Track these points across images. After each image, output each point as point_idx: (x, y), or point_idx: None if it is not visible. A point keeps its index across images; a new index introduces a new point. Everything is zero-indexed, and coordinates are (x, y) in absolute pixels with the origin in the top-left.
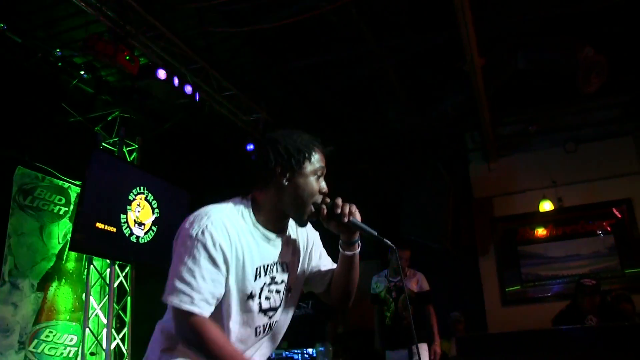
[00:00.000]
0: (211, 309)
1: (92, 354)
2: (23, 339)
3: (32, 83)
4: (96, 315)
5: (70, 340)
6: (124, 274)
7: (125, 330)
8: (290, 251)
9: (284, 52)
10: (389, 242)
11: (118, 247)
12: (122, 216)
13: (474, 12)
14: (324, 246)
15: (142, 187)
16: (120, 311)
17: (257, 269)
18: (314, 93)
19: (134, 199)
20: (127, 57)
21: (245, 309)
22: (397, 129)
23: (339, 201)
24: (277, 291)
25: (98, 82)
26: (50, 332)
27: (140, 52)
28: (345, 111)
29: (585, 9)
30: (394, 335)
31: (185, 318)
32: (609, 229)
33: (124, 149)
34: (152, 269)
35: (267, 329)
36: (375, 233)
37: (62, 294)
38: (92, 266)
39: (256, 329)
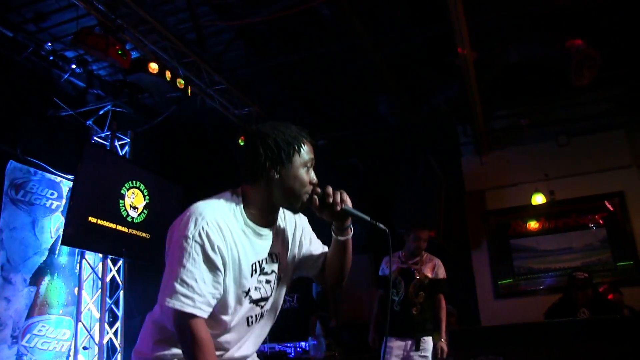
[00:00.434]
0: (210, 310)
1: (84, 348)
2: (16, 334)
3: (23, 77)
4: (89, 309)
5: (63, 335)
6: (116, 268)
7: (117, 324)
8: (280, 241)
9: (275, 45)
10: (382, 226)
11: (110, 241)
12: (121, 201)
13: (465, 5)
14: (316, 230)
15: (134, 181)
16: (112, 305)
17: (252, 265)
18: (306, 87)
19: (126, 193)
20: (119, 51)
21: (239, 303)
22: (388, 123)
23: (330, 190)
24: (267, 281)
25: (89, 76)
26: (43, 326)
27: (131, 46)
28: (337, 105)
29: (577, 3)
30: (401, 323)
31: (185, 319)
32: (601, 222)
33: (116, 143)
34: (144, 263)
35: (258, 318)
36: (368, 218)
37: (54, 288)
38: (84, 260)
39: (248, 319)
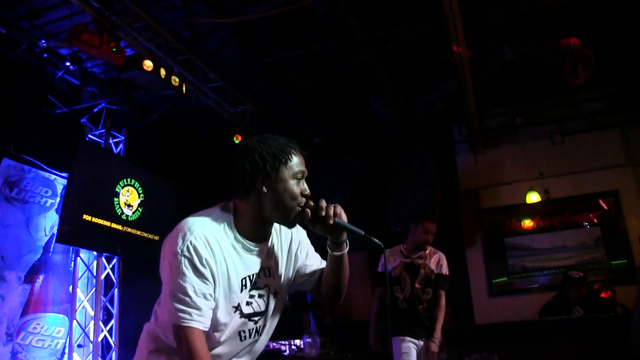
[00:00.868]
0: (209, 322)
1: (79, 346)
2: (10, 331)
3: (17, 74)
4: (83, 307)
5: (58, 332)
6: (110, 266)
7: (112, 322)
8: (274, 255)
9: (270, 43)
10: (377, 241)
11: (105, 239)
12: (115, 199)
13: (461, 3)
14: (313, 243)
15: (128, 179)
16: (107, 303)
17: (242, 280)
18: (301, 85)
19: (121, 191)
20: (113, 49)
21: (229, 318)
22: (383, 121)
23: (323, 204)
24: (260, 296)
25: (84, 73)
26: (38, 324)
27: (126, 44)
28: (331, 103)
29: (572, 1)
30: (408, 322)
31: (183, 333)
32: (595, 220)
33: (110, 141)
34: (138, 261)
35: (253, 333)
36: (362, 233)
37: (49, 286)
38: (79, 258)
39: (240, 333)
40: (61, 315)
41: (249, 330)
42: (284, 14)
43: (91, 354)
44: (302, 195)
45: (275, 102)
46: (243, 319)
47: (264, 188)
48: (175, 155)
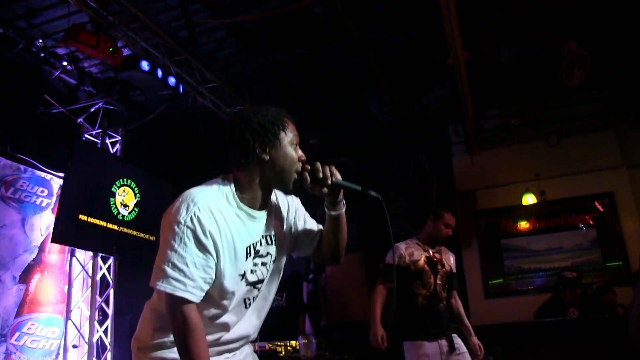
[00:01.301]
0: (202, 295)
1: (74, 346)
2: (5, 332)
3: (13, 74)
4: (79, 307)
5: (53, 333)
6: (106, 266)
7: (107, 322)
8: (274, 223)
9: (267, 43)
10: (374, 194)
11: (100, 239)
12: (111, 200)
13: (457, 5)
14: (310, 212)
15: (125, 179)
16: (102, 303)
17: (247, 248)
18: (298, 85)
19: (117, 191)
20: (110, 48)
21: (236, 286)
22: (380, 122)
23: (319, 165)
24: (263, 264)
25: (81, 73)
26: (33, 324)
27: (123, 43)
28: (329, 103)
29: (569, 3)
30: (428, 321)
31: (177, 303)
32: (591, 222)
33: (107, 141)
34: (134, 261)
35: (255, 299)
36: (360, 188)
37: (44, 286)
38: (74, 258)
39: (245, 300)
40: (56, 316)
41: (253, 297)
42: (282, 14)
43: (86, 355)
44: (299, 160)
45: (273, 103)
46: (249, 286)
47: (265, 155)
48: (172, 156)
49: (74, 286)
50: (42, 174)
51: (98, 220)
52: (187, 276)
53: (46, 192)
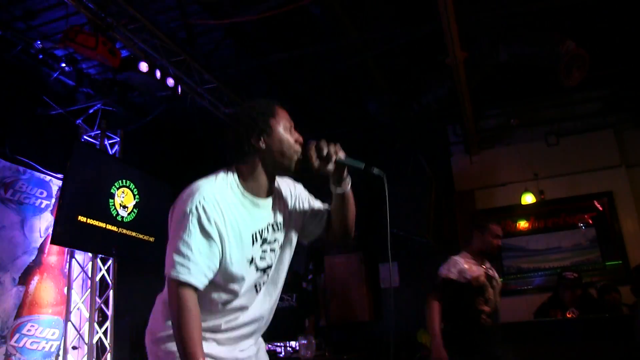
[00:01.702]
0: (206, 281)
1: (74, 347)
2: (4, 333)
3: (12, 75)
4: (78, 309)
5: (52, 334)
6: (106, 267)
7: (107, 324)
8: (279, 210)
9: (266, 44)
10: (377, 171)
11: (100, 241)
12: (110, 201)
13: (456, 5)
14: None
15: (124, 180)
16: (102, 305)
17: (252, 235)
18: (296, 86)
19: (116, 192)
20: (109, 50)
21: (249, 271)
22: (379, 122)
23: (323, 143)
24: (272, 250)
25: (79, 74)
26: (32, 326)
27: (121, 45)
28: (326, 104)
29: (567, 3)
30: (489, 341)
31: (178, 288)
32: (590, 221)
33: (106, 142)
34: (134, 262)
35: (265, 284)
36: (363, 166)
37: (44, 288)
38: (73, 260)
39: (255, 286)
40: (56, 317)
41: (263, 282)
42: (280, 15)
43: (86, 356)
44: (297, 142)
45: None
46: (259, 272)
47: (261, 143)
48: (171, 157)
49: (73, 287)
50: (41, 176)
51: (97, 222)
52: (192, 261)
53: (45, 193)
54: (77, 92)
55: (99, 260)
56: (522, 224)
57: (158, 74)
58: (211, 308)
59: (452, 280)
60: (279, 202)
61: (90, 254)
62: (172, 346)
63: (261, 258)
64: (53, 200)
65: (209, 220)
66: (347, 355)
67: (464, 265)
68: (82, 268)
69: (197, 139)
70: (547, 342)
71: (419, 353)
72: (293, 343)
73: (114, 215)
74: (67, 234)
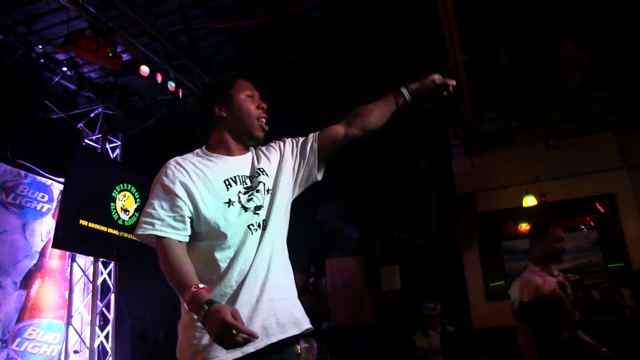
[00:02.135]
0: (177, 232)
1: (75, 351)
2: (6, 338)
3: (13, 79)
4: (79, 312)
5: (54, 339)
6: (107, 271)
7: (108, 327)
8: (260, 159)
9: (266, 48)
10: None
11: (101, 244)
12: (112, 204)
13: (456, 8)
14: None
15: (125, 184)
16: (103, 309)
17: (225, 181)
18: (297, 89)
19: (117, 196)
20: (110, 54)
21: (230, 212)
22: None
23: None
24: (258, 191)
25: (80, 78)
26: (34, 330)
27: (122, 49)
28: (326, 107)
29: (567, 5)
30: (572, 357)
31: (156, 244)
32: (592, 224)
33: (107, 146)
34: (135, 266)
35: (259, 226)
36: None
37: (45, 292)
38: (75, 263)
39: (249, 226)
40: (57, 321)
41: (256, 222)
42: (280, 19)
43: None
44: (259, 108)
45: (271, 106)
46: (248, 212)
47: (223, 112)
48: None
49: (74, 291)
50: (43, 180)
51: (98, 225)
52: (155, 217)
53: (46, 197)
54: (78, 96)
55: (100, 264)
56: (524, 227)
57: (159, 77)
58: (212, 265)
59: (530, 302)
60: (259, 154)
61: (91, 258)
62: (191, 333)
63: (248, 200)
64: (54, 204)
65: (170, 179)
66: (348, 358)
67: (538, 281)
68: (84, 272)
69: (198, 142)
70: None
71: (412, 354)
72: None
73: (115, 219)
74: (68, 238)
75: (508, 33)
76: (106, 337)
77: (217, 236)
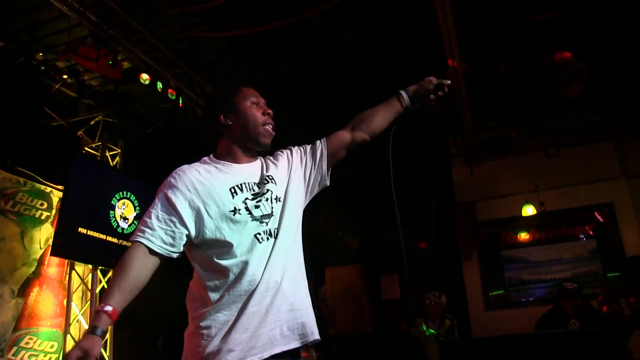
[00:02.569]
0: (162, 244)
1: None
2: (2, 346)
3: (14, 87)
4: (78, 321)
5: (51, 347)
6: (106, 279)
7: (107, 336)
8: (269, 167)
9: (267, 56)
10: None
11: (100, 252)
12: (111, 212)
13: (456, 17)
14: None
15: (125, 192)
16: None
17: (230, 189)
18: (297, 98)
19: (117, 204)
20: (110, 62)
21: (236, 220)
22: (379, 133)
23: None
24: (266, 199)
25: (81, 86)
26: (31, 338)
27: (123, 57)
28: (328, 115)
29: (566, 16)
30: None
31: (131, 246)
32: (591, 233)
33: (107, 153)
34: None
35: (267, 236)
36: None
37: (43, 300)
38: (73, 271)
39: (256, 235)
40: (55, 330)
41: (264, 231)
42: (281, 27)
43: None
44: (265, 114)
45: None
46: (255, 221)
47: (228, 120)
48: (172, 168)
49: (73, 299)
50: (42, 187)
51: (97, 233)
52: (148, 226)
53: (46, 205)
54: (78, 104)
55: (99, 272)
56: (523, 236)
57: (159, 85)
58: (221, 274)
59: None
60: (268, 162)
61: (90, 266)
62: (192, 341)
63: (256, 207)
64: (54, 211)
65: (172, 190)
66: None
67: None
68: (82, 280)
69: (198, 150)
70: (549, 354)
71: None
72: None
73: (115, 226)
74: (67, 246)
75: (508, 43)
76: (104, 345)
77: (223, 244)
